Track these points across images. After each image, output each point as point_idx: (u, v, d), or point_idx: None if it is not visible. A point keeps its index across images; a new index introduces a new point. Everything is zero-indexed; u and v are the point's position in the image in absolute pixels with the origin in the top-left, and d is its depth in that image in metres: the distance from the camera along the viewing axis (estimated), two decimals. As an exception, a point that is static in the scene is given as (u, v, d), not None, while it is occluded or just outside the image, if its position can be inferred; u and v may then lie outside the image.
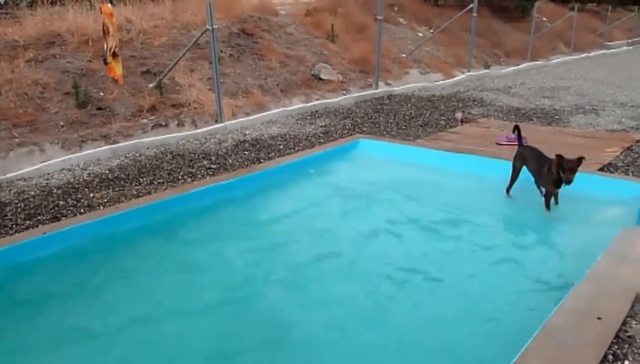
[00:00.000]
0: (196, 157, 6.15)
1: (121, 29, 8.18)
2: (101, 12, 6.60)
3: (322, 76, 10.05)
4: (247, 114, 8.06)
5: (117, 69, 6.79)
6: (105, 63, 6.78)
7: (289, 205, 5.07)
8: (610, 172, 5.47)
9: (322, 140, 6.80)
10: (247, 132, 7.34)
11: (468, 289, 3.65)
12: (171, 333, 3.14)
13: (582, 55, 18.81)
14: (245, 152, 6.34)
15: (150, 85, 7.70)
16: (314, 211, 4.92)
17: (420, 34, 14.71)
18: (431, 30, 14.83)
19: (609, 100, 9.81)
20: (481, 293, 3.58)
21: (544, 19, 20.03)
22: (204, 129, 7.24)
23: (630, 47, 23.95)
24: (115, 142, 6.48)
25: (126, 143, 6.48)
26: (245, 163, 5.93)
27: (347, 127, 7.58)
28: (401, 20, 15.22)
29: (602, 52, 20.60)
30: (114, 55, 6.68)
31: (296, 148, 6.44)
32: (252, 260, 4.06)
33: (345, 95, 9.76)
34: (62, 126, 6.51)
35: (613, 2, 26.13)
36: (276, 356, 2.96)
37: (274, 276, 3.79)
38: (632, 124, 7.76)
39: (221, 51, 9.02)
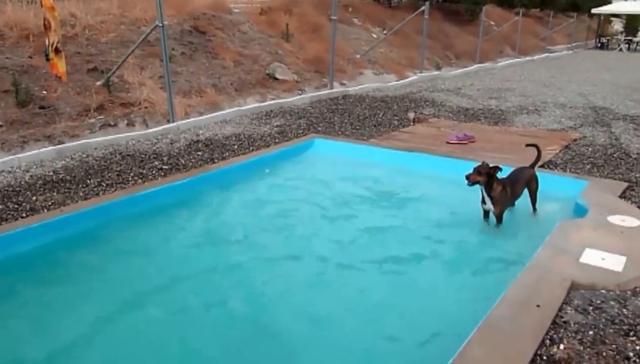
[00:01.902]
0: (147, 158, 6.05)
1: (65, 24, 7.95)
2: (42, 6, 6.34)
3: (277, 76, 10.08)
4: (201, 114, 7.99)
5: (60, 66, 6.51)
6: (48, 59, 6.48)
7: (244, 205, 5.05)
8: (551, 168, 5.74)
9: (277, 140, 6.82)
10: (201, 131, 7.27)
11: (417, 281, 3.77)
12: (125, 340, 3.10)
13: (527, 58, 19.54)
14: (199, 152, 6.29)
15: (98, 83, 7.52)
16: (269, 211, 4.92)
17: (374, 35, 14.93)
18: (385, 32, 15.07)
19: (550, 101, 10.26)
20: (430, 285, 3.71)
21: (492, 23, 20.69)
22: (156, 129, 7.13)
23: (570, 52, 25.04)
24: (60, 143, 6.29)
25: (72, 143, 6.30)
26: (199, 163, 5.88)
27: (303, 126, 7.63)
28: (355, 21, 15.41)
29: (544, 55, 21.46)
30: (57, 51, 6.40)
31: (251, 148, 6.43)
32: (207, 261, 4.03)
33: (300, 95, 9.81)
34: (1, 126, 6.27)
35: (554, 8, 27.25)
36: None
37: (228, 278, 3.78)
38: (570, 124, 8.15)
39: (173, 49, 8.90)
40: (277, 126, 7.62)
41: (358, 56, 12.74)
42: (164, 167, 5.75)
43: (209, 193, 5.23)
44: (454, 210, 4.86)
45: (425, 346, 3.04)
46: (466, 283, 3.77)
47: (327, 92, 10.20)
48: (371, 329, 3.21)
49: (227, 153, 6.23)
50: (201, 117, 7.81)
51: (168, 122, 7.44)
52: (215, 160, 5.96)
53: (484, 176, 4.18)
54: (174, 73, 8.13)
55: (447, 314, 3.34)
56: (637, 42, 31.80)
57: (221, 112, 8.14)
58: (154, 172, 5.56)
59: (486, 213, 4.44)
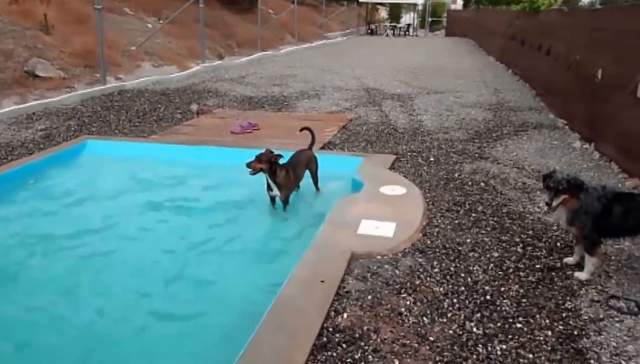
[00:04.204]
0: None
1: None
2: None
3: (39, 73, 8.95)
4: (-58, 122, 6.72)
5: None
6: None
7: (5, 221, 4.38)
8: (330, 149, 6.11)
9: (42, 146, 6.04)
10: (-57, 143, 6.11)
11: (211, 270, 3.71)
12: None
13: (307, 45, 20.67)
14: (-59, 168, 5.27)
15: None
16: (38, 225, 4.34)
17: (149, 25, 14.26)
18: (161, 21, 14.50)
19: (328, 85, 10.95)
20: (223, 272, 3.68)
21: (271, 11, 21.34)
22: None
23: (345, 38, 27.21)
24: None
25: None
26: (-59, 180, 4.92)
27: (73, 128, 6.90)
28: (127, 10, 14.53)
29: (322, 42, 22.96)
30: None
31: (10, 158, 5.60)
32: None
33: (69, 93, 8.85)
34: None
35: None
36: None
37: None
38: (347, 105, 8.80)
39: None
40: (41, 130, 6.75)
41: (133, 48, 12.02)
42: None
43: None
44: (241, 198, 4.88)
45: (219, 334, 3.01)
46: (258, 267, 3.82)
47: (100, 88, 9.40)
48: (165, 319, 3.14)
49: (-21, 166, 5.33)
50: (-57, 126, 6.56)
51: None
52: (-36, 176, 5.06)
53: (265, 163, 4.24)
54: None
55: (241, 300, 3.34)
56: (401, 28, 35.98)
57: (-30, 118, 6.95)
58: None
59: (272, 199, 4.52)
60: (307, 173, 4.84)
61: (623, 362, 2.52)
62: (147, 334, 3.03)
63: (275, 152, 4.35)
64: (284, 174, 4.38)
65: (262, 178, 4.40)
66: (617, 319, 2.87)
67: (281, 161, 4.43)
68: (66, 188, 5.16)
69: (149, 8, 15.04)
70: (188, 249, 4.00)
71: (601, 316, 2.89)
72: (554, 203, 3.21)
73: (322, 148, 6.04)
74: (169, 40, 13.64)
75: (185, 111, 8.09)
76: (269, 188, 4.43)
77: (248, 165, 4.21)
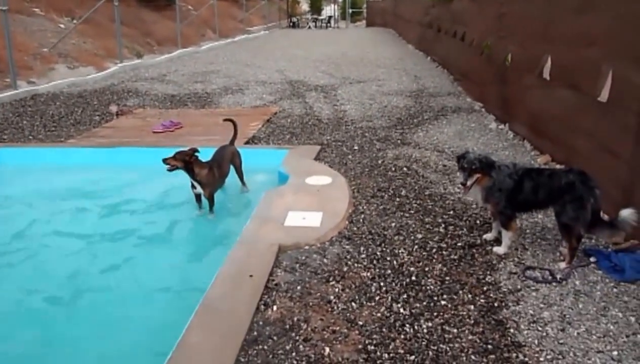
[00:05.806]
0: None
1: None
2: None
3: (-62, 80, 8.32)
4: None
5: None
6: None
7: None
8: (255, 143, 6.07)
9: (-55, 158, 5.64)
10: None
11: (134, 276, 3.61)
12: None
13: (228, 41, 20.35)
14: None
15: None
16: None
17: (62, 26, 13.55)
18: (75, 21, 13.81)
19: (252, 79, 10.84)
20: (149, 277, 3.59)
21: (190, 7, 20.82)
22: None
23: (267, 32, 27.03)
24: None
25: None
26: None
27: (-18, 137, 6.48)
28: (37, 10, 13.72)
29: (244, 37, 22.69)
30: None
31: None
32: None
33: (-24, 100, 8.30)
34: None
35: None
36: None
37: None
38: (271, 99, 8.76)
39: None
40: (-56, 141, 6.31)
41: (46, 50, 11.39)
42: None
43: None
44: (167, 198, 4.79)
45: (148, 336, 2.95)
46: (186, 267, 3.77)
47: (11, 93, 8.84)
48: (94, 323, 3.07)
49: None
50: None
51: None
52: None
53: (180, 162, 4.16)
54: None
55: (170, 300, 3.30)
56: (322, 20, 36.18)
57: None
58: None
59: (198, 197, 4.44)
60: (233, 169, 4.79)
61: (539, 328, 2.68)
62: (75, 339, 2.94)
63: (200, 150, 4.28)
64: (207, 172, 4.30)
65: (187, 177, 4.32)
66: (533, 288, 3.04)
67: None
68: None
69: (61, 8, 14.26)
70: (113, 253, 3.89)
71: (519, 286, 3.06)
72: (469, 183, 3.36)
73: (247, 142, 6.00)
74: (84, 41, 13.02)
75: (104, 113, 7.77)
76: (193, 186, 4.35)
77: (164, 161, 4.15)
